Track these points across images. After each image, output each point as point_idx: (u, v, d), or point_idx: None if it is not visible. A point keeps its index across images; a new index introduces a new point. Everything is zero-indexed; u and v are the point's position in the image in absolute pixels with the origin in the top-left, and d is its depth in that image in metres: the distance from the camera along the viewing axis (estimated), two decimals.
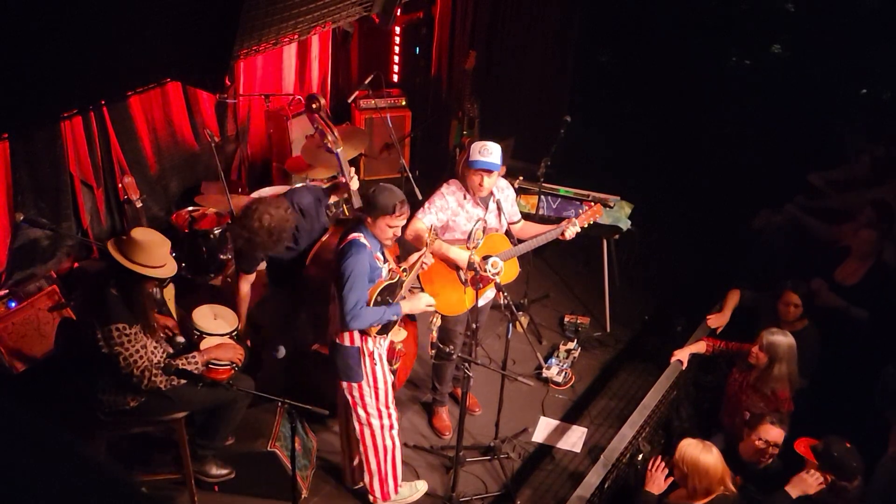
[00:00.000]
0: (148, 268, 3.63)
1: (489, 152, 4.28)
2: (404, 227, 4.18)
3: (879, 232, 5.14)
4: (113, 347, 3.59)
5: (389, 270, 4.01)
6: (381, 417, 4.14)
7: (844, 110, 6.83)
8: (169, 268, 3.74)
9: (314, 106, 4.52)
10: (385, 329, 4.02)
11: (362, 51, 7.72)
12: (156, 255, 3.65)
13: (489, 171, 4.29)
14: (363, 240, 3.83)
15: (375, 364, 4.02)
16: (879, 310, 4.89)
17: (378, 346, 4.03)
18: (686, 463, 3.53)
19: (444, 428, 5.02)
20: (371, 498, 4.37)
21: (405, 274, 4.05)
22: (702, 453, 3.52)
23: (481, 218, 4.35)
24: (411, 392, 5.32)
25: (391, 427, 4.19)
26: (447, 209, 4.40)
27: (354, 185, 4.53)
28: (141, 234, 3.67)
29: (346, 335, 3.92)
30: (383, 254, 3.98)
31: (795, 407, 4.46)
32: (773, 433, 3.94)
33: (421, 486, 4.51)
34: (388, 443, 4.22)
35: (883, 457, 4.06)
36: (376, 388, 4.06)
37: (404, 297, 4.07)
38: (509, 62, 7.93)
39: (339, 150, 4.50)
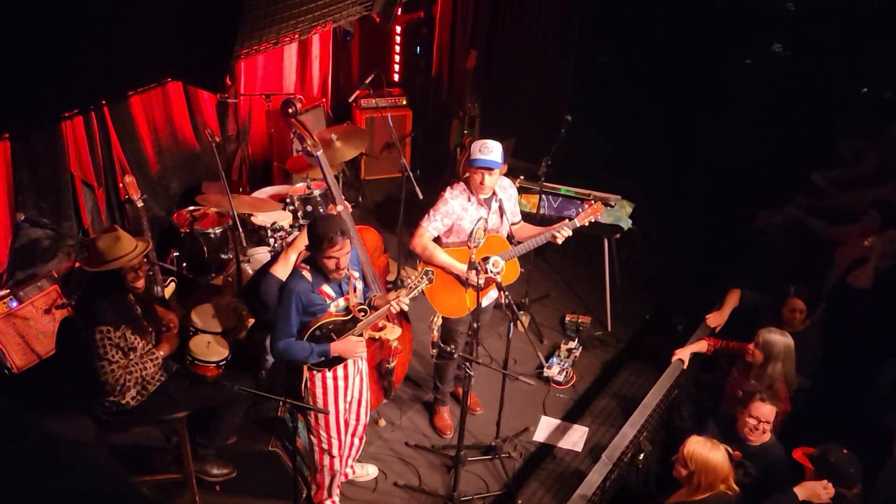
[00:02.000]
0: (116, 261, 3.67)
1: (489, 150, 4.28)
2: (411, 238, 4.21)
3: (868, 234, 5.11)
4: (95, 350, 3.63)
5: (347, 308, 3.78)
6: (318, 438, 4.03)
7: (844, 110, 6.82)
8: (135, 252, 3.74)
9: (290, 110, 4.49)
10: (324, 365, 3.81)
11: (363, 50, 7.73)
12: (115, 249, 3.69)
13: (490, 169, 4.28)
14: (306, 272, 3.66)
15: (317, 391, 3.88)
16: (887, 311, 4.86)
17: (327, 379, 3.86)
18: (694, 460, 3.57)
19: (446, 427, 5.02)
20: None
21: (363, 315, 3.78)
22: (710, 451, 3.57)
23: (483, 217, 4.34)
24: (412, 391, 5.32)
25: (329, 452, 4.07)
26: (451, 214, 4.40)
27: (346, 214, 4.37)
28: (97, 239, 3.76)
29: None
30: (340, 288, 3.76)
31: (795, 407, 4.46)
32: (764, 410, 3.98)
33: (371, 471, 4.54)
34: (325, 461, 4.12)
35: (888, 462, 4.04)
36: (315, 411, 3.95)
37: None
38: (510, 62, 7.93)
39: (318, 154, 4.42)
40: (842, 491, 3.69)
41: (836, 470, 3.68)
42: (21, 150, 4.85)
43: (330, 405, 3.93)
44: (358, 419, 4.18)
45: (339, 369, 3.88)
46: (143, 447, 4.49)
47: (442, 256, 4.39)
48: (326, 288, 3.70)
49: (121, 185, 5.40)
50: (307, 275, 3.66)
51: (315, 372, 3.84)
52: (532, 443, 5.03)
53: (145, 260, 3.92)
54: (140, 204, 4.97)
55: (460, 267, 4.35)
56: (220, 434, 4.22)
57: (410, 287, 3.85)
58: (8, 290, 4.81)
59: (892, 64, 6.56)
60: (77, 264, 5.38)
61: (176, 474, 4.26)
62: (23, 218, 4.80)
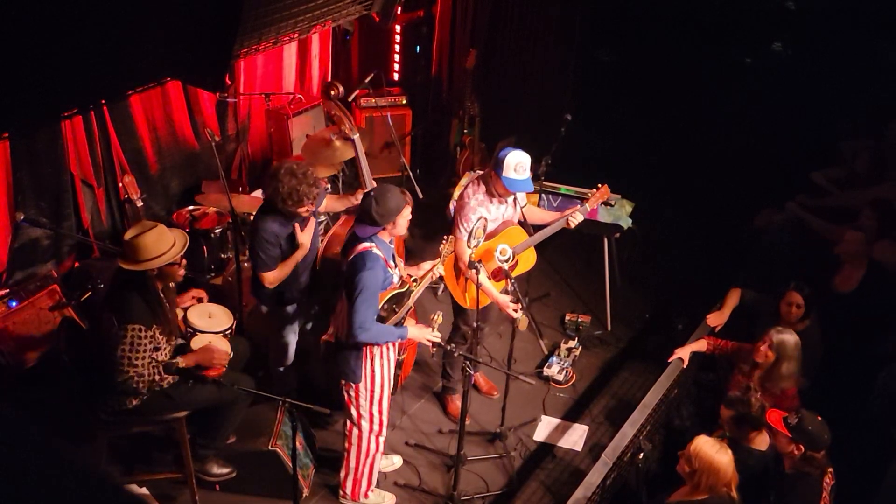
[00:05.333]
0: (153, 260, 3.65)
1: (524, 169, 4.27)
2: (458, 256, 4.38)
3: (866, 233, 5.11)
4: (119, 346, 3.61)
5: (399, 278, 3.99)
6: (371, 421, 4.16)
7: (845, 110, 6.81)
8: (174, 250, 3.72)
9: (332, 93, 4.64)
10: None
11: (363, 49, 7.72)
12: (153, 247, 3.65)
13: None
14: (376, 250, 3.79)
15: (376, 368, 4.02)
16: (881, 312, 4.85)
17: (384, 351, 4.02)
18: (699, 458, 3.58)
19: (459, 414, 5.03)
20: (341, 492, 4.42)
21: (415, 284, 4.03)
22: (717, 452, 3.58)
23: (482, 217, 4.36)
24: (412, 390, 5.33)
25: (379, 433, 4.21)
26: (481, 216, 4.45)
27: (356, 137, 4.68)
28: (131, 233, 3.69)
29: None
30: (394, 259, 3.97)
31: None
32: (723, 414, 4.08)
33: (388, 499, 4.52)
34: (372, 447, 4.24)
35: (891, 466, 4.04)
36: (372, 392, 4.07)
37: (411, 308, 4.11)
38: (510, 60, 7.93)
39: (355, 137, 4.67)
40: (812, 454, 3.78)
41: (811, 436, 3.77)
42: (21, 149, 4.85)
43: (385, 381, 4.08)
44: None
45: (392, 346, 4.08)
46: (144, 446, 4.49)
47: (486, 283, 4.44)
48: (390, 259, 3.89)
49: (120, 184, 5.40)
50: (379, 252, 3.80)
51: (379, 346, 3.97)
52: (532, 442, 5.04)
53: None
54: (140, 203, 4.97)
55: (502, 300, 4.49)
56: (220, 434, 4.22)
57: (443, 254, 4.10)
58: (8, 290, 4.80)
59: (893, 63, 6.56)
60: (77, 264, 5.38)
61: (176, 474, 4.27)
62: (22, 217, 4.79)
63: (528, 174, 4.29)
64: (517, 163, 4.25)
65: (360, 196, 4.52)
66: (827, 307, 4.86)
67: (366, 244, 3.79)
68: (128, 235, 3.69)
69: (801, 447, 3.78)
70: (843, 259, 5.03)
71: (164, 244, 3.68)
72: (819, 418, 3.81)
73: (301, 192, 4.02)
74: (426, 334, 4.07)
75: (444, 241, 4.16)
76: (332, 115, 4.76)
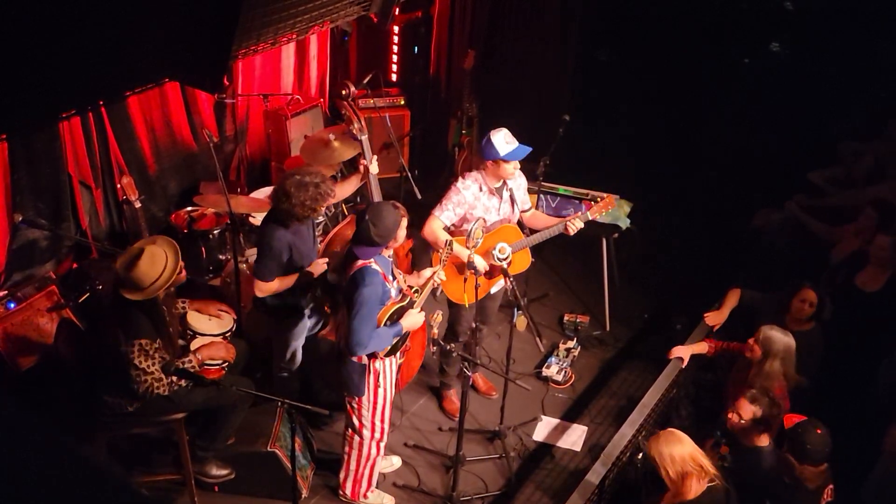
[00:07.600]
0: (156, 282, 3.64)
1: (513, 139, 4.33)
2: (421, 226, 4.32)
3: (866, 233, 5.07)
4: (131, 361, 3.64)
5: (399, 291, 3.97)
6: (372, 430, 4.19)
7: (844, 110, 6.81)
8: (169, 264, 3.70)
9: (343, 92, 4.79)
10: (393, 350, 4.00)
11: (361, 50, 7.71)
12: (151, 272, 3.64)
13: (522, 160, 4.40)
14: (374, 265, 3.78)
15: (379, 384, 4.03)
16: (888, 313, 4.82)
17: (386, 366, 4.02)
18: (652, 456, 3.60)
19: (455, 411, 5.02)
20: (340, 492, 4.46)
21: (416, 294, 4.00)
22: (657, 440, 3.60)
23: (481, 217, 4.35)
24: (421, 378, 5.36)
25: (380, 439, 4.25)
26: (464, 203, 4.44)
27: (374, 168, 4.72)
28: (123, 265, 3.65)
29: None
30: (392, 273, 3.96)
31: (795, 405, 4.45)
32: (745, 409, 3.99)
33: (388, 501, 4.53)
34: (374, 452, 4.28)
35: (880, 458, 4.04)
36: (374, 405, 4.09)
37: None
38: (508, 61, 7.92)
39: (363, 137, 4.73)
40: (806, 465, 3.74)
41: (802, 447, 3.73)
42: (19, 150, 4.84)
43: (387, 393, 4.09)
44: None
45: (395, 360, 4.08)
46: (143, 448, 4.48)
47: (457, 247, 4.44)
48: (388, 274, 3.88)
49: (118, 185, 5.39)
50: (377, 267, 3.78)
51: (383, 361, 3.97)
52: (531, 442, 5.04)
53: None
54: (138, 205, 4.96)
55: (466, 253, 4.40)
56: (219, 436, 4.21)
57: (442, 259, 4.08)
58: (6, 292, 4.79)
59: (892, 63, 6.56)
60: (75, 265, 5.37)
61: (175, 475, 4.26)
62: (20, 219, 4.79)
63: (516, 142, 4.33)
64: (504, 134, 4.35)
65: (361, 169, 4.71)
66: (847, 302, 4.82)
67: (364, 260, 3.78)
68: (120, 267, 3.66)
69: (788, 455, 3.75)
70: (872, 261, 4.96)
71: (158, 264, 3.66)
72: (819, 431, 3.74)
73: (316, 201, 4.10)
74: (419, 319, 4.01)
75: (442, 249, 4.13)
76: (343, 115, 4.82)
